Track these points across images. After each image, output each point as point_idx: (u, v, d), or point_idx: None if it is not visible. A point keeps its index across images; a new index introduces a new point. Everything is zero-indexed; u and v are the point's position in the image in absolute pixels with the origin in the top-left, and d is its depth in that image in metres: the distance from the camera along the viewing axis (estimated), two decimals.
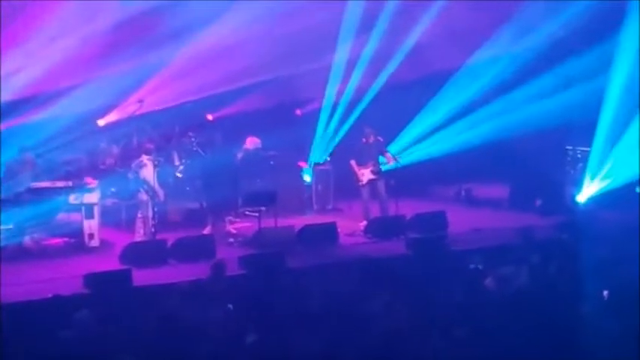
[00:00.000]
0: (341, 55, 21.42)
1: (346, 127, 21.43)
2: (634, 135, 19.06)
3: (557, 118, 19.60)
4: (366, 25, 21.17)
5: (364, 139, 18.38)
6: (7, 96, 18.26)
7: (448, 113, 21.46)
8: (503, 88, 21.07)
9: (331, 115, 21.78)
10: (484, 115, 21.10)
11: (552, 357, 8.50)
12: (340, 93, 21.77)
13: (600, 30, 19.70)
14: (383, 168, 18.38)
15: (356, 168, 18.23)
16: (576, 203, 19.32)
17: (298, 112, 22.66)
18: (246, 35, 19.58)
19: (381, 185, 18.20)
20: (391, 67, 21.56)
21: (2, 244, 15.93)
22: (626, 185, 18.91)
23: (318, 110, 21.87)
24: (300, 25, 19.80)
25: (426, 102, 21.69)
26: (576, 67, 19.80)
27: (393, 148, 19.51)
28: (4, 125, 18.76)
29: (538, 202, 19.52)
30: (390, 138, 19.95)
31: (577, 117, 19.41)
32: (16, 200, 16.23)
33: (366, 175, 18.18)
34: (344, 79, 21.67)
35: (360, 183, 18.23)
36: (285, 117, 21.69)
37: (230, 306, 10.66)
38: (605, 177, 19.31)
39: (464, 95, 21.29)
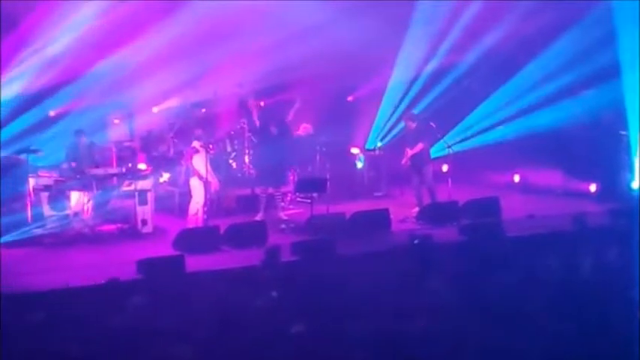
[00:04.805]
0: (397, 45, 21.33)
1: (396, 113, 21.33)
2: None
3: (611, 102, 19.33)
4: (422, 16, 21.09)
5: (404, 126, 18.58)
6: (58, 79, 18.40)
7: (504, 100, 21.28)
8: (557, 74, 20.82)
9: (386, 102, 21.69)
10: (539, 101, 20.88)
11: (607, 346, 8.40)
12: (393, 81, 21.67)
13: None
14: (434, 154, 18.38)
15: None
16: (631, 189, 19.08)
17: (350, 98, 22.60)
18: (299, 28, 19.52)
19: (427, 171, 18.16)
20: (445, 57, 21.49)
21: (57, 229, 16.13)
22: None
23: (370, 97, 21.79)
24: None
25: (479, 92, 21.56)
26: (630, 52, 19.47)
27: (449, 136, 19.37)
28: (56, 111, 18.95)
29: (593, 189, 19.34)
30: (447, 126, 19.80)
31: (631, 101, 19.15)
32: (73, 185, 16.40)
33: (405, 160, 18.21)
34: (396, 67, 21.56)
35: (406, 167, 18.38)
36: (337, 104, 21.64)
37: (274, 293, 10.62)
38: None
39: (520, 82, 21.10)
